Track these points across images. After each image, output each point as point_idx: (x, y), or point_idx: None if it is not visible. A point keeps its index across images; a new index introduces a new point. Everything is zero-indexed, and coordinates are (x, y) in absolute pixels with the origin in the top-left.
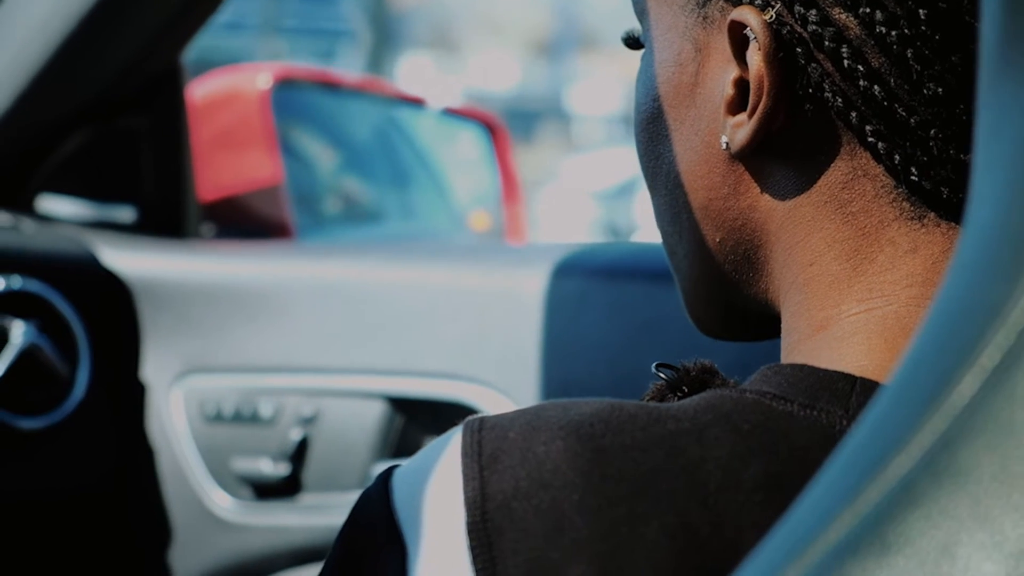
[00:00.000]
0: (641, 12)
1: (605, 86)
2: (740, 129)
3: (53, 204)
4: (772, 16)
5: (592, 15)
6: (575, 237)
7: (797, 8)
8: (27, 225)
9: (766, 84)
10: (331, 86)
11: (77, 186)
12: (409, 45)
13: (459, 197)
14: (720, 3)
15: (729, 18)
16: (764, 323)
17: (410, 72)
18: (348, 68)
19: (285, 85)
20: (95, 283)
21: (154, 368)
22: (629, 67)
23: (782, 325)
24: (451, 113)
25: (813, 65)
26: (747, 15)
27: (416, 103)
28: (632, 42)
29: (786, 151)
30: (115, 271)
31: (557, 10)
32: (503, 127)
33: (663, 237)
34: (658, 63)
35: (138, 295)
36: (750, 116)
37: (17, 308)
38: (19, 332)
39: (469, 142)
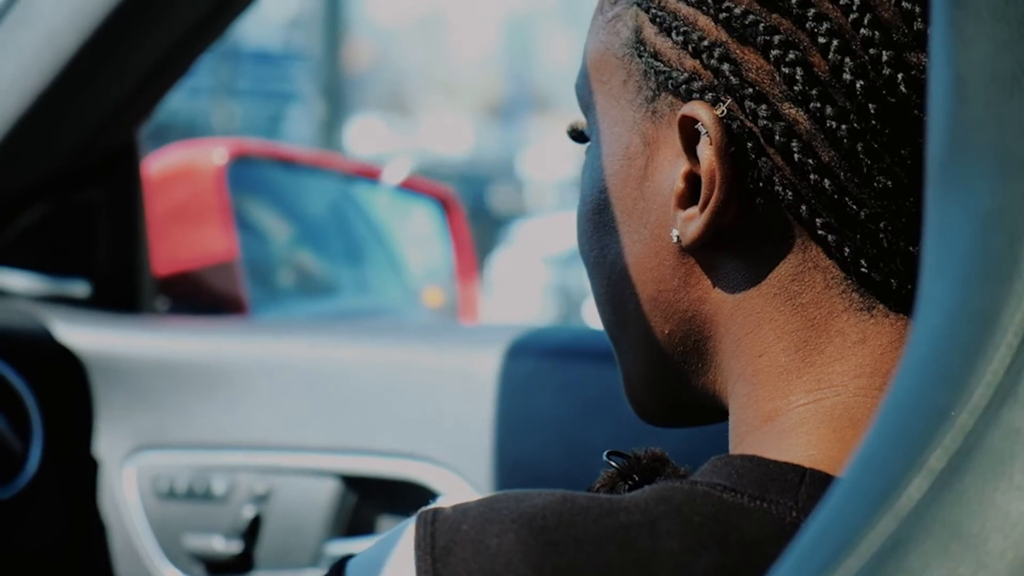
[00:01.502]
0: (587, 106)
1: (558, 150)
2: (691, 222)
3: (6, 278)
4: (723, 111)
5: (545, 78)
6: (528, 301)
7: (747, 103)
8: None
9: (718, 178)
10: (286, 161)
11: (31, 259)
12: (361, 107)
13: (413, 272)
14: (669, 98)
15: (680, 113)
16: (708, 412)
17: (362, 134)
18: (299, 130)
19: (240, 160)
20: (48, 358)
21: (107, 444)
22: None
23: (730, 415)
24: (405, 188)
25: (763, 159)
26: (698, 110)
27: (370, 178)
28: (577, 135)
29: (737, 244)
30: (69, 346)
31: (510, 73)
32: (457, 202)
33: (605, 325)
34: (605, 155)
35: (92, 370)
36: (701, 210)
37: None
38: None
39: (423, 217)
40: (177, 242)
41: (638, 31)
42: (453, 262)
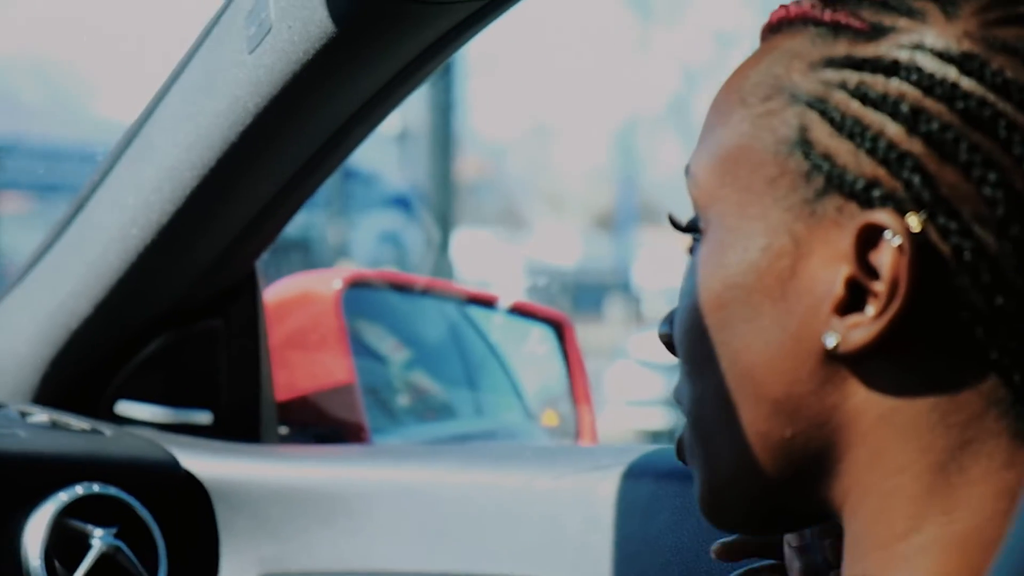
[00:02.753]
0: (708, 198)
1: (669, 260)
2: (857, 330)
3: (131, 408)
4: (917, 224)
5: (654, 188)
6: (643, 412)
7: (940, 219)
8: (106, 430)
9: (902, 289)
10: (401, 287)
11: (154, 390)
12: (471, 220)
13: (529, 394)
14: (838, 201)
15: (862, 219)
16: (804, 520)
17: (472, 246)
18: (409, 244)
19: (356, 286)
20: (173, 487)
21: (231, 572)
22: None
23: (849, 529)
24: (520, 311)
25: (947, 276)
26: (886, 218)
27: (486, 302)
28: (690, 227)
29: (897, 354)
30: (193, 475)
31: (619, 183)
32: (571, 325)
33: (698, 421)
34: (736, 252)
35: (215, 498)
36: (877, 318)
37: (96, 513)
38: (98, 537)
39: (538, 339)
40: (296, 368)
41: (804, 130)
42: (568, 384)
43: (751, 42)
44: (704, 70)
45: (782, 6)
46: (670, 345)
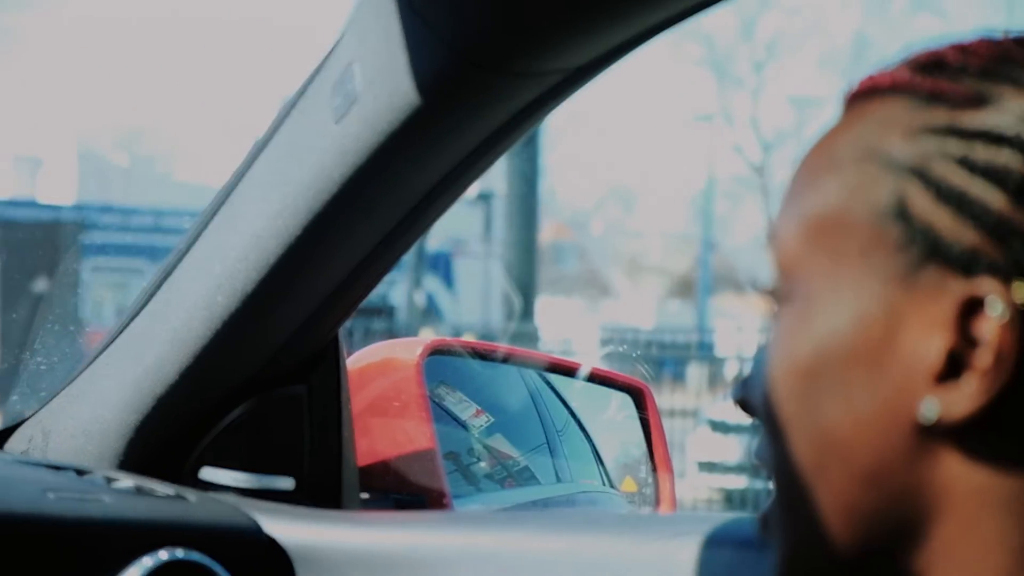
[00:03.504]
0: (793, 264)
1: (749, 327)
2: (957, 401)
3: (215, 474)
4: (1022, 294)
5: (733, 255)
6: (726, 477)
7: None
8: (190, 496)
9: (1007, 361)
10: (482, 354)
11: (238, 456)
12: (553, 286)
13: (608, 461)
14: (938, 271)
15: (964, 290)
16: None
17: (554, 312)
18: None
19: (437, 353)
20: (256, 553)
21: None
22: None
23: None
24: (599, 378)
25: None
26: (991, 289)
27: (566, 369)
28: (773, 292)
29: (996, 425)
30: (276, 540)
31: (699, 249)
32: (651, 393)
33: (785, 487)
34: (826, 318)
35: (298, 564)
36: (979, 388)
37: None
38: None
39: (617, 407)
40: (377, 434)
41: (902, 198)
42: (648, 450)
43: (830, 108)
44: (783, 135)
45: (871, 75)
46: (745, 408)
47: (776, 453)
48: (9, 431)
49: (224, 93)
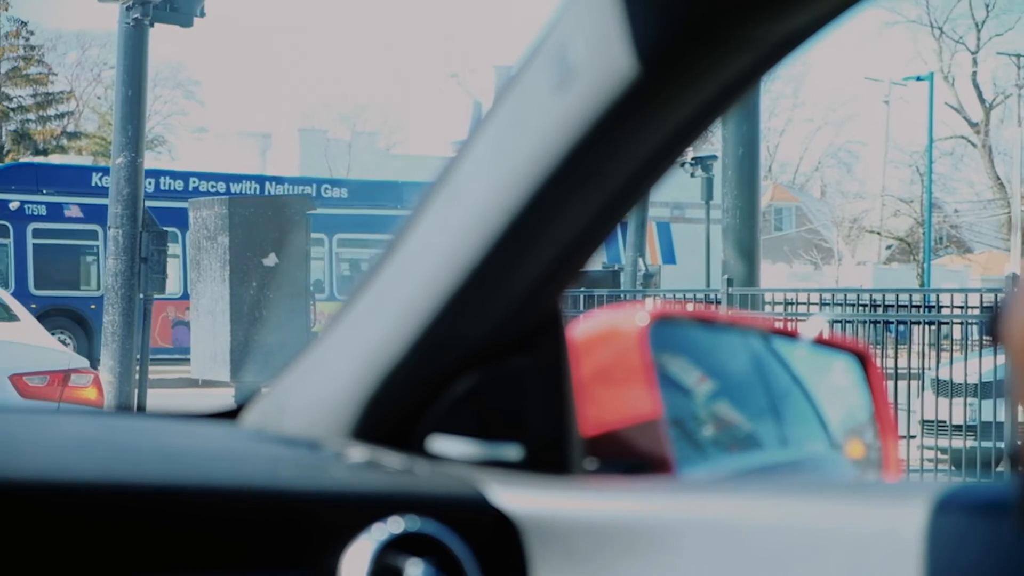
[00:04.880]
0: None
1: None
2: None
3: (443, 444)
4: None
5: (955, 216)
6: (952, 439)
7: None
8: (420, 466)
9: None
10: (705, 321)
11: (465, 426)
12: (774, 249)
13: (833, 425)
14: None
15: None
16: None
17: (775, 274)
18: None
19: (661, 321)
20: (486, 523)
21: None
22: None
23: None
24: (822, 342)
25: None
26: None
27: (788, 335)
28: None
29: None
30: (504, 510)
31: (922, 213)
32: (874, 357)
33: None
34: None
35: (526, 533)
36: None
37: (414, 549)
38: (417, 572)
39: (841, 371)
40: (602, 403)
41: None
42: (872, 415)
43: None
44: (1003, 93)
45: None
46: (997, 337)
47: None
48: (243, 406)
49: (441, 66)
